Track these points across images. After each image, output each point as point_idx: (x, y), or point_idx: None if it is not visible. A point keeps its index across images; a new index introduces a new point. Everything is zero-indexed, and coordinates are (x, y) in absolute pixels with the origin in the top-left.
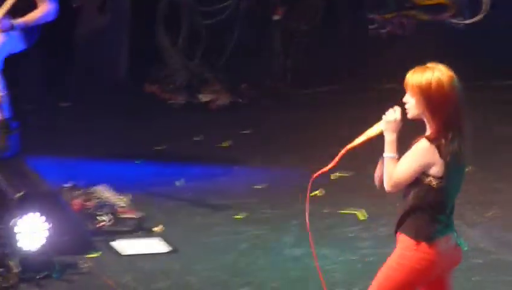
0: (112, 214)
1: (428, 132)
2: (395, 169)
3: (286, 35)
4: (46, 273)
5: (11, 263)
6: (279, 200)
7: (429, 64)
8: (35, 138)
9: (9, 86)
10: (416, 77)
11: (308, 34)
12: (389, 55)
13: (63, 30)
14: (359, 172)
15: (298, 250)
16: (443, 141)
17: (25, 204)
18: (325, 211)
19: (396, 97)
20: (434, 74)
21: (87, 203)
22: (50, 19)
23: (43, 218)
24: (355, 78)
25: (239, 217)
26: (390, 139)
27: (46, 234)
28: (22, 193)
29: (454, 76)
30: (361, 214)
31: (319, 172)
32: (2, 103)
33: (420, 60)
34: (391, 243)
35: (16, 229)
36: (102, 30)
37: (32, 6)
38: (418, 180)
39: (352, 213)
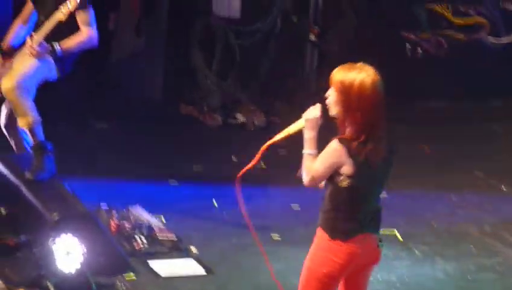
0: (149, 235)
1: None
2: (312, 165)
3: (320, 55)
4: None
5: (49, 285)
6: (315, 221)
7: (358, 64)
8: (71, 160)
9: (46, 107)
10: (340, 74)
11: (342, 54)
12: (427, 74)
13: (99, 52)
14: (394, 192)
15: None
16: (355, 142)
17: (61, 226)
18: None
19: (440, 116)
20: (359, 74)
21: (124, 224)
22: (91, 45)
23: (79, 239)
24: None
25: (275, 237)
26: (309, 136)
27: (83, 255)
28: (58, 215)
29: (379, 80)
30: (398, 234)
31: (243, 170)
32: (36, 126)
33: (457, 80)
34: (428, 262)
35: (53, 251)
36: (138, 52)
37: (73, 30)
38: (332, 178)
39: (390, 233)
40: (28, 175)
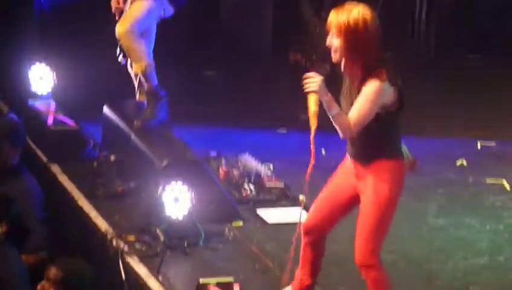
0: (257, 183)
1: (358, 73)
2: (353, 115)
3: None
4: (192, 241)
5: (158, 231)
6: (424, 169)
7: (349, 5)
8: (180, 107)
9: (156, 54)
10: (342, 17)
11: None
12: None
13: (210, 1)
14: (504, 140)
15: (442, 220)
16: (385, 72)
17: (170, 172)
18: (470, 180)
19: None
20: (360, 12)
21: (233, 172)
22: None
23: (188, 186)
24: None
25: None
26: (327, 99)
27: (192, 202)
28: (167, 162)
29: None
30: (508, 184)
31: (308, 172)
32: (150, 71)
33: None
34: None
35: (162, 198)
36: (247, 1)
37: None
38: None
39: (499, 183)
40: (137, 123)
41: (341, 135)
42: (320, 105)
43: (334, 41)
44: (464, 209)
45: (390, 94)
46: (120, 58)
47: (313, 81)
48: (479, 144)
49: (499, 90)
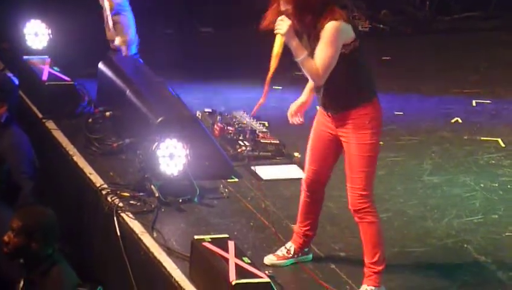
0: (252, 139)
1: (312, 23)
2: (318, 60)
3: None
4: (186, 197)
5: (152, 187)
6: (418, 127)
7: None
8: (175, 63)
9: (150, 12)
10: None
11: None
12: None
13: None
14: (498, 99)
15: (437, 177)
16: (339, 11)
17: (165, 129)
18: (464, 137)
19: None
20: None
21: (228, 128)
22: None
23: (183, 142)
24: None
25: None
26: (295, 44)
27: (187, 158)
28: (162, 118)
29: None
30: (502, 142)
31: (255, 109)
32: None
33: None
34: None
35: (156, 154)
36: None
37: None
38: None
39: (493, 140)
40: None
41: (312, 82)
42: None
43: (285, 5)
44: (459, 167)
45: (348, 31)
46: None
47: (282, 24)
48: (473, 102)
49: (495, 49)
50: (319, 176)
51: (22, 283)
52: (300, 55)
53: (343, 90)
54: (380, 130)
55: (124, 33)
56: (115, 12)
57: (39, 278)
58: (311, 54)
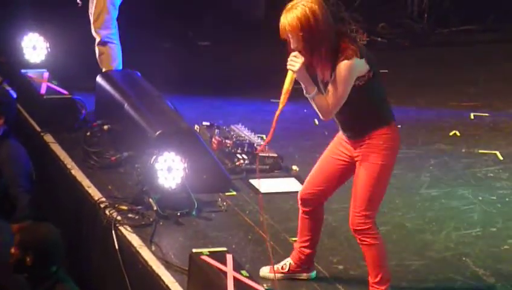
0: (250, 153)
1: (326, 62)
2: (331, 96)
3: None
4: (184, 210)
5: (151, 201)
6: (415, 140)
7: (293, 2)
8: (173, 77)
9: (148, 25)
10: (290, 16)
11: None
12: None
13: None
14: (497, 112)
15: (435, 190)
16: (352, 46)
17: (163, 142)
18: (462, 150)
19: None
20: (305, 6)
21: (226, 141)
22: None
23: (181, 156)
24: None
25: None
26: (306, 79)
27: (184, 171)
28: (160, 131)
29: None
30: (500, 155)
31: (262, 146)
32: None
33: None
34: None
35: (155, 167)
36: None
37: None
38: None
39: (492, 153)
40: None
41: (321, 117)
42: None
43: (295, 44)
44: (457, 180)
45: (362, 65)
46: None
47: (295, 60)
48: (472, 115)
49: (493, 62)
50: (318, 195)
51: None
52: (311, 92)
53: (359, 119)
54: (394, 153)
55: (109, 65)
56: (103, 42)
57: None
58: (323, 90)
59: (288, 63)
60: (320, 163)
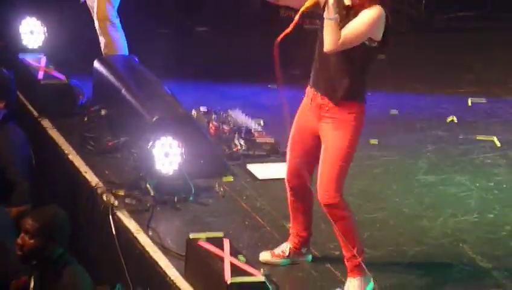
0: (247, 138)
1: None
2: (346, 31)
3: None
4: (182, 196)
5: (148, 186)
6: (413, 126)
7: None
8: (171, 62)
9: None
10: None
11: None
12: None
13: None
14: (494, 98)
15: (432, 177)
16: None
17: (160, 127)
18: (460, 137)
19: None
20: None
21: (223, 127)
22: None
23: (178, 141)
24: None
25: (373, 142)
26: (333, 1)
27: (182, 156)
28: (157, 117)
29: None
30: (497, 141)
31: (282, 35)
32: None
33: None
34: None
35: (152, 152)
36: None
37: None
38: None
39: (489, 139)
40: None
41: (326, 46)
42: None
43: None
44: (454, 166)
45: (382, 25)
46: None
47: None
48: (469, 101)
49: (491, 49)
50: (300, 171)
51: (32, 284)
52: (332, 15)
53: (343, 78)
54: (359, 133)
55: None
56: (107, 33)
57: (51, 279)
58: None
59: None
60: (292, 139)
